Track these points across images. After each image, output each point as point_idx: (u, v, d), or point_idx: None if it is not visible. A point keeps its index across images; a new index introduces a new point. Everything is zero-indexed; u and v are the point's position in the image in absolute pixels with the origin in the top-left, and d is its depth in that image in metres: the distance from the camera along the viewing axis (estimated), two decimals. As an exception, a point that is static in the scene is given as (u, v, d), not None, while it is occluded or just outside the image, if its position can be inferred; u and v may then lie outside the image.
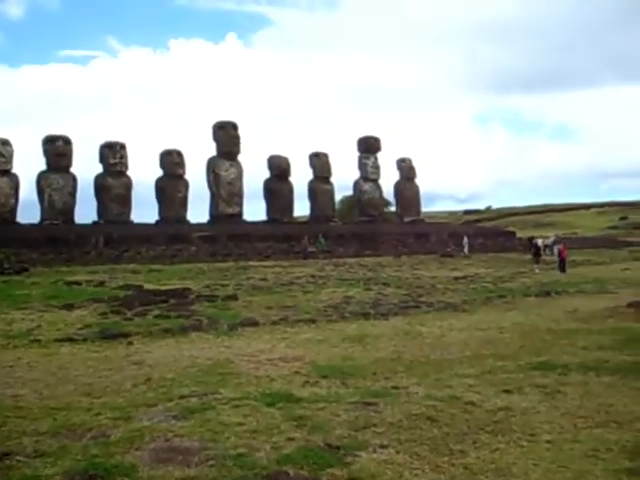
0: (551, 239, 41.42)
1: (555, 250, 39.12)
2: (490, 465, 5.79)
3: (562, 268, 33.39)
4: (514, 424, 6.97)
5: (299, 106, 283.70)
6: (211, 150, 56.48)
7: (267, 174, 59.46)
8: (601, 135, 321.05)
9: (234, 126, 56.52)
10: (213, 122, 56.93)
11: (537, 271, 33.91)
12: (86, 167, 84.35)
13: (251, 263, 39.83)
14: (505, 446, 6.30)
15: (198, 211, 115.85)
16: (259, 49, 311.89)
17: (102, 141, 53.37)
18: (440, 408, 7.52)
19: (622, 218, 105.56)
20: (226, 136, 55.47)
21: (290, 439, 6.43)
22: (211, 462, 5.81)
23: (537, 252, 39.86)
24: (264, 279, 28.67)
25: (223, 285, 25.67)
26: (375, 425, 6.89)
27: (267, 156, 59.94)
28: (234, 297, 20.76)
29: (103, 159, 52.83)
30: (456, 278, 29.05)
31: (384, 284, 26.08)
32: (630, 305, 16.04)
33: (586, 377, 9.11)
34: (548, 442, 6.40)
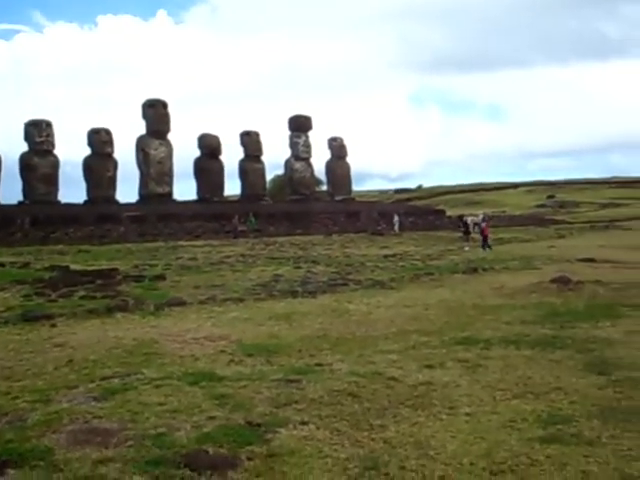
0: (480, 217, 41.99)
1: (476, 228, 39.77)
2: (409, 438, 5.86)
3: (485, 245, 34.02)
4: (435, 398, 7.06)
5: (230, 84, 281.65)
6: (140, 129, 55.50)
7: (197, 153, 58.78)
8: (530, 115, 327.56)
9: (164, 104, 55.58)
10: (143, 100, 55.92)
11: (466, 249, 34.41)
12: (10, 145, 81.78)
13: (181, 243, 39.39)
14: (425, 419, 6.38)
15: (127, 191, 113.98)
16: (190, 26, 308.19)
17: (27, 119, 51.89)
18: (362, 384, 7.57)
19: (549, 197, 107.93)
20: (156, 114, 54.50)
21: (211, 418, 6.38)
22: (130, 442, 5.73)
23: (466, 230, 40.49)
24: (193, 259, 28.41)
25: (152, 265, 25.32)
26: (297, 402, 6.89)
27: (197, 135, 59.25)
28: (162, 277, 20.48)
29: (28, 137, 51.14)
30: (385, 256, 29.27)
31: (314, 262, 26.12)
32: (553, 281, 16.41)
33: (507, 351, 9.29)
34: (467, 414, 6.51)
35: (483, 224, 37.30)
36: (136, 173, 55.37)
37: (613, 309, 12.72)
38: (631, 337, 10.18)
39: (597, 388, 7.40)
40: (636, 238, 39.57)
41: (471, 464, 5.27)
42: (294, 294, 16.34)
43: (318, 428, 6.12)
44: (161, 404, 6.86)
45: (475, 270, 21.70)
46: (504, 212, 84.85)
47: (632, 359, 8.70)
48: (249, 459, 5.39)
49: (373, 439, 5.86)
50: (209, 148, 58.33)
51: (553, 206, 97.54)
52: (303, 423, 6.24)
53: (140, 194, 54.92)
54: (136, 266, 25.01)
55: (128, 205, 52.86)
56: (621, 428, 6.05)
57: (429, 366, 8.45)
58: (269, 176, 70.70)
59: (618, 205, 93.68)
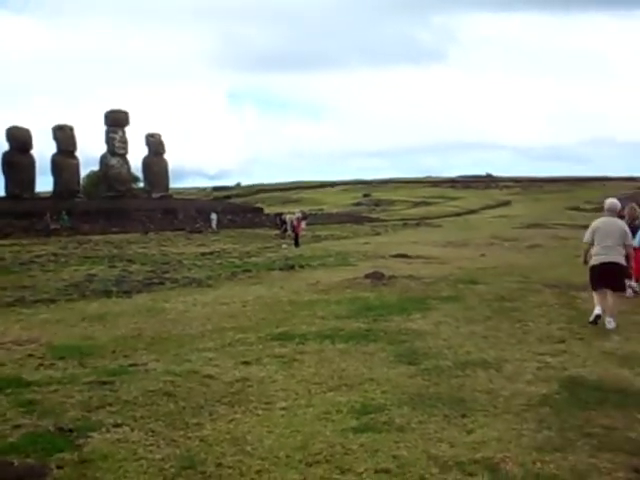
0: (298, 215, 42.64)
1: (290, 227, 40.38)
2: (226, 435, 5.83)
3: (296, 243, 34.64)
4: (251, 394, 7.06)
5: (43, 76, 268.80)
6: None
7: (6, 147, 55.83)
8: (348, 116, 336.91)
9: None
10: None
11: (284, 246, 34.83)
12: None
13: (-14, 242, 37.23)
14: (241, 416, 6.37)
15: None
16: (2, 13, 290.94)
17: None
18: (178, 383, 7.45)
19: (365, 195, 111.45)
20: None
21: (17, 426, 6.02)
22: None
23: (284, 228, 40.99)
24: (1, 259, 26.92)
25: (-48, 267, 23.74)
26: (110, 404, 6.67)
27: (6, 127, 56.25)
28: (-36, 279, 19.28)
29: None
30: (203, 254, 29.10)
31: (129, 261, 25.48)
32: (367, 276, 16.91)
33: (322, 345, 9.45)
34: (283, 409, 6.56)
35: (295, 222, 37.93)
36: None
37: (424, 302, 13.26)
38: (439, 328, 10.68)
39: (407, 377, 7.69)
40: (445, 234, 41.73)
41: (287, 457, 5.32)
42: (108, 294, 15.83)
43: (132, 430, 5.96)
44: (-40, 415, 6.41)
45: (292, 267, 21.96)
46: (322, 210, 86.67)
47: (439, 349, 9.13)
48: (59, 467, 5.13)
49: (189, 438, 5.78)
50: (18, 142, 55.59)
51: (369, 204, 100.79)
52: (117, 425, 6.05)
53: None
54: None
55: None
56: (428, 414, 6.33)
57: (245, 362, 8.44)
58: (84, 172, 68.50)
59: (430, 204, 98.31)
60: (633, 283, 14.10)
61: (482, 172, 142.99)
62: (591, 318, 10.87)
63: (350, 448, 5.49)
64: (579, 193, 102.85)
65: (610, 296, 10.93)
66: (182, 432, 5.92)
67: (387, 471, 5.05)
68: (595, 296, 11.09)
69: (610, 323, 10.64)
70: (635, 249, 12.99)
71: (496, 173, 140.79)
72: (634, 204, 15.86)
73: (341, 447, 5.51)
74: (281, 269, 21.53)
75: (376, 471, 5.05)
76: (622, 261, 10.99)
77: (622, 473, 5.01)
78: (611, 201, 11.48)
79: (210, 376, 7.76)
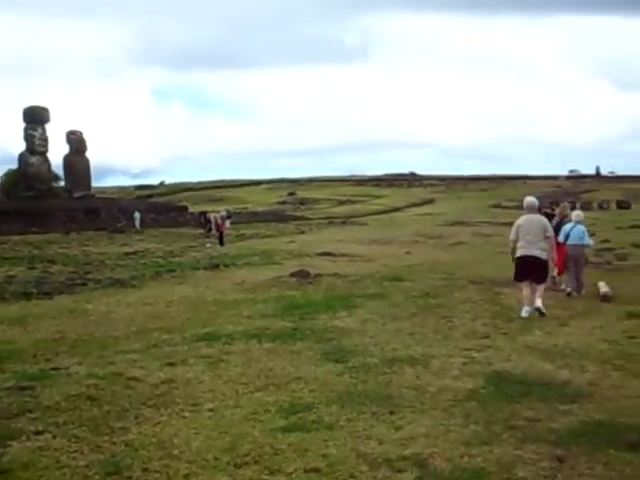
0: (222, 213, 42.31)
1: (214, 226, 40.02)
2: (152, 439, 5.72)
3: (221, 242, 34.44)
4: (177, 396, 6.95)
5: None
6: None
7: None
8: (274, 115, 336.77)
9: None
10: None
11: (208, 245, 34.52)
12: None
13: None
14: (167, 418, 6.26)
15: None
16: None
17: None
18: (102, 386, 7.28)
19: (290, 194, 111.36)
20: None
21: None
22: None
23: (209, 227, 40.64)
24: None
25: None
26: (30, 410, 6.46)
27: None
28: None
29: None
30: (126, 254, 28.62)
31: (50, 262, 24.78)
32: (293, 275, 16.93)
33: (249, 345, 9.39)
34: (210, 410, 6.48)
35: (219, 221, 37.72)
36: None
37: (349, 300, 13.33)
38: (366, 325, 10.74)
39: (335, 375, 7.70)
40: (371, 232, 42.03)
41: (215, 459, 5.25)
42: (28, 296, 15.36)
43: (55, 437, 5.77)
44: None
45: (217, 266, 21.80)
46: (246, 209, 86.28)
47: (366, 346, 9.18)
48: (-24, 479, 4.95)
49: (114, 443, 5.64)
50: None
51: (294, 203, 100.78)
52: (38, 433, 5.85)
53: None
54: None
55: None
56: (357, 411, 6.35)
57: (171, 364, 8.30)
58: (1, 171, 66.62)
59: (354, 202, 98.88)
60: (555, 274, 14.78)
61: (406, 170, 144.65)
62: (522, 315, 11.45)
63: (279, 448, 5.45)
64: (501, 191, 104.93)
65: (533, 287, 11.75)
66: (107, 437, 5.78)
67: (317, 470, 5.03)
68: (522, 288, 11.89)
69: (539, 310, 11.49)
70: (559, 244, 13.80)
71: (420, 172, 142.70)
72: (566, 203, 17.57)
73: (270, 447, 5.47)
74: (206, 268, 21.33)
75: (305, 470, 5.03)
76: (543, 255, 11.74)
77: (546, 463, 5.12)
78: (530, 199, 12.31)
79: (135, 378, 7.61)
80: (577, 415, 6.24)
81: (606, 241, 27.68)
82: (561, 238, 14.11)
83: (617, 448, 5.40)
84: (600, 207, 76.15)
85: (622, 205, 79.05)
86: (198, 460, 5.23)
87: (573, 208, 20.28)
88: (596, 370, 7.91)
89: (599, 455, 5.27)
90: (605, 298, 13.16)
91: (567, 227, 14.39)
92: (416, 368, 7.99)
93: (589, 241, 14.66)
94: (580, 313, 11.96)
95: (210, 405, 6.64)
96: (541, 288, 11.82)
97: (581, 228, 14.34)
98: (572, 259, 14.14)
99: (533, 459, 5.20)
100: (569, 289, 14.13)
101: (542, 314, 11.43)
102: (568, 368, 7.97)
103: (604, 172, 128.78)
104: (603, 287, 13.87)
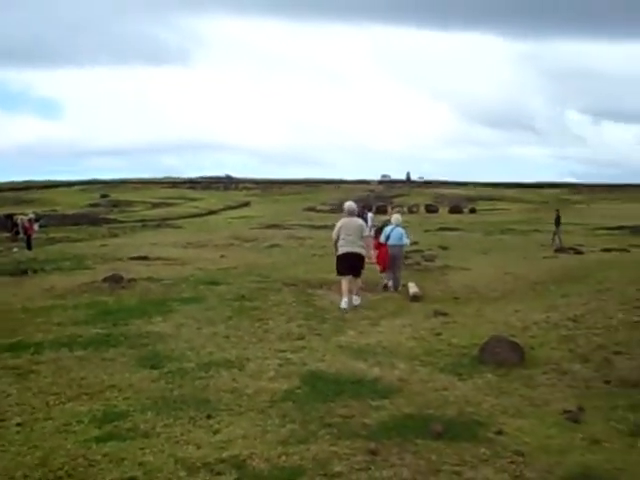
0: (30, 216, 40.35)
1: (21, 229, 38.23)
2: (-47, 459, 5.40)
3: (29, 246, 33.02)
4: (-19, 412, 6.61)
5: None
6: None
7: None
8: (86, 114, 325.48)
9: None
10: None
11: (15, 250, 32.87)
12: None
13: None
14: (-30, 436, 5.94)
15: None
16: None
17: None
18: None
19: (103, 196, 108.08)
20: None
21: None
22: None
23: (17, 230, 38.67)
24: None
25: None
26: None
27: None
28: None
29: None
30: None
31: None
32: (105, 279, 16.45)
33: (59, 353, 9.05)
34: (19, 425, 6.22)
35: (27, 224, 36.10)
36: None
37: (164, 304, 13.15)
38: (180, 330, 10.66)
39: (150, 381, 7.62)
40: (186, 235, 41.58)
41: (25, 477, 5.04)
42: None
43: None
44: None
45: (25, 272, 20.77)
46: (56, 211, 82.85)
47: (181, 351, 9.13)
48: None
49: None
50: None
51: (107, 205, 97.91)
52: None
53: None
54: None
55: None
56: (174, 417, 6.33)
57: (-26, 379, 7.86)
58: None
59: (170, 204, 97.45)
60: (383, 274, 16.25)
61: (222, 174, 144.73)
62: (342, 306, 12.72)
63: (94, 459, 5.33)
64: (316, 195, 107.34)
65: (352, 280, 13.16)
66: None
67: (134, 479, 4.96)
68: (342, 281, 13.09)
69: (356, 300, 13.17)
70: (381, 244, 15.95)
71: (236, 175, 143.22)
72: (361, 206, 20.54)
73: (84, 459, 5.34)
74: (12, 274, 20.28)
75: (122, 480, 4.95)
76: (362, 252, 13.30)
77: (360, 457, 5.35)
78: (349, 204, 14.00)
79: None
80: (388, 410, 6.55)
81: (415, 243, 29.01)
82: (382, 239, 15.96)
83: (424, 438, 5.76)
84: (410, 211, 79.67)
85: (430, 209, 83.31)
86: (6, 479, 5.01)
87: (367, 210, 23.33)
88: (405, 366, 8.34)
89: (408, 445, 5.59)
90: (414, 298, 14.03)
91: (388, 229, 16.13)
92: (232, 371, 8.05)
93: (407, 240, 16.25)
94: (391, 313, 12.54)
95: (18, 419, 6.37)
96: (358, 281, 13.44)
97: (400, 230, 16.00)
98: (392, 258, 15.68)
99: (348, 454, 5.41)
100: (390, 283, 15.61)
101: (357, 306, 12.95)
102: (379, 366, 8.34)
103: (414, 177, 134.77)
104: (413, 287, 14.79)
